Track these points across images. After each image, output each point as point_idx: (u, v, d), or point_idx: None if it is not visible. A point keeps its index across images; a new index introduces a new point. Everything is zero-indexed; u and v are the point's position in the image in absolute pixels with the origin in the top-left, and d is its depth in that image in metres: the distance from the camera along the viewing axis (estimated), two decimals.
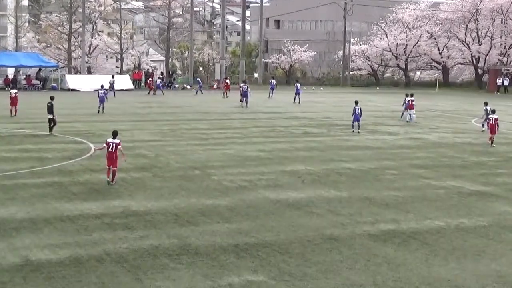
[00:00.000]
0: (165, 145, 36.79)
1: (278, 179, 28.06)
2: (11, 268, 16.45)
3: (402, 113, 53.10)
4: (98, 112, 53.22)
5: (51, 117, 41.12)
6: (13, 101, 50.34)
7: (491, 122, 39.63)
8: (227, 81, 76.12)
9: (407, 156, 34.87)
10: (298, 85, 69.64)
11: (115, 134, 26.79)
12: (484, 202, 24.87)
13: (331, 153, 35.22)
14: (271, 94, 73.69)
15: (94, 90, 68.60)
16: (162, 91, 77.23)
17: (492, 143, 39.04)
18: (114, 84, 73.66)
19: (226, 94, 72.05)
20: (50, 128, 41.07)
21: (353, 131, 44.12)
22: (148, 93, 75.67)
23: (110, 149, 26.36)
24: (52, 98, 42.21)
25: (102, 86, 56.56)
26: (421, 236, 19.99)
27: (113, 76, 77.74)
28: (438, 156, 35.29)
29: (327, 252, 18.21)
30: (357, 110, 44.48)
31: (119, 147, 26.44)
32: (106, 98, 54.97)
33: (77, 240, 18.77)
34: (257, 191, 25.59)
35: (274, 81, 76.89)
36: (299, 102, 65.96)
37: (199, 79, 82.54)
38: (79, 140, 37.98)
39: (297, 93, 67.61)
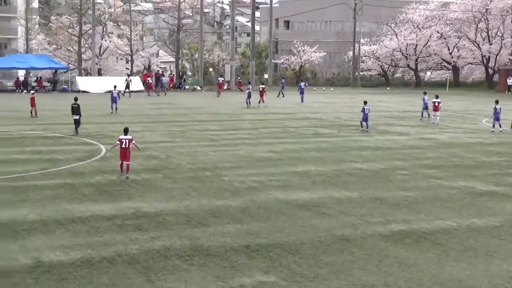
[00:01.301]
0: (176, 146, 36.84)
1: (288, 179, 28.05)
2: (23, 269, 16.49)
3: (422, 113, 53.00)
4: (112, 112, 53.88)
5: (77, 117, 41.53)
6: (32, 102, 50.71)
7: None
8: (262, 86, 68.06)
9: (418, 156, 34.80)
10: (302, 84, 70.97)
11: (126, 131, 28.60)
12: (496, 202, 24.80)
13: (342, 154, 35.19)
14: (281, 93, 74.51)
15: (106, 92, 68.99)
16: (163, 91, 77.93)
17: None
18: (130, 84, 74.21)
19: (263, 100, 64.82)
20: (76, 129, 41.47)
21: (362, 130, 44.40)
22: (148, 95, 76.26)
23: (123, 145, 28.09)
24: (76, 99, 42.81)
25: (115, 87, 57.43)
26: (433, 236, 19.95)
27: (128, 75, 78.25)
28: (449, 156, 35.21)
29: (339, 253, 18.20)
30: (366, 110, 44.58)
31: (132, 142, 28.28)
32: (119, 98, 55.90)
33: (89, 241, 18.81)
34: (268, 192, 25.59)
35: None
36: (302, 101, 67.41)
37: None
38: (90, 141, 38.07)
39: (301, 93, 69.37)
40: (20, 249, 18.05)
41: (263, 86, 67.14)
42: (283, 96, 75.18)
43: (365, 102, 45.46)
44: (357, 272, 16.70)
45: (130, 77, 77.22)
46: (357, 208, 23.26)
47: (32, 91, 53.11)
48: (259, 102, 63.62)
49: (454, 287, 15.90)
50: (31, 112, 50.38)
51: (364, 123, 44.75)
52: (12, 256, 17.42)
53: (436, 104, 50.20)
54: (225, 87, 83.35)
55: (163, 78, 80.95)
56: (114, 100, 54.85)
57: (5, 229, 19.95)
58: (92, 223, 20.73)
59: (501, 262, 17.71)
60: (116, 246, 18.36)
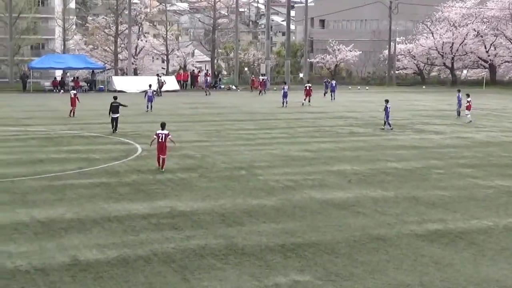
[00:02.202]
0: (211, 145, 36.94)
1: (324, 179, 28.02)
2: (61, 267, 16.65)
3: (458, 112, 52.76)
4: (147, 111, 54.53)
5: (116, 116, 41.91)
6: (72, 101, 51.11)
7: None
8: (309, 85, 67.34)
9: (454, 156, 34.59)
10: (334, 82, 71.19)
11: (163, 126, 29.90)
12: None
13: (377, 153, 35.07)
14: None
15: (141, 92, 69.41)
16: (207, 91, 78.08)
17: None
18: (164, 83, 74.69)
19: (309, 100, 64.35)
20: (115, 127, 41.90)
21: (382, 129, 44.56)
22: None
23: (160, 140, 29.48)
24: (115, 98, 43.21)
25: (150, 86, 58.11)
26: (469, 236, 19.82)
27: (158, 75, 78.50)
28: (486, 155, 34.94)
29: (374, 252, 18.15)
30: (388, 108, 44.76)
31: (169, 137, 29.58)
32: (154, 97, 56.75)
33: (125, 240, 18.93)
34: (303, 191, 25.58)
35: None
36: (333, 99, 68.97)
37: (208, 78, 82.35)
38: (125, 141, 38.31)
39: (332, 90, 70.22)
40: (57, 247, 18.23)
41: (310, 85, 67.03)
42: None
43: (387, 101, 45.59)
44: (392, 272, 16.65)
45: (162, 77, 77.58)
46: (392, 207, 23.18)
47: (73, 91, 53.43)
48: (308, 101, 63.94)
49: (490, 287, 15.79)
50: (71, 112, 50.69)
51: (387, 122, 44.79)
52: (50, 254, 17.59)
53: (469, 103, 50.10)
54: (267, 86, 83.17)
55: (208, 78, 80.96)
56: (149, 99, 55.69)
57: (43, 227, 20.15)
58: (128, 222, 20.87)
59: None
60: (151, 245, 18.47)
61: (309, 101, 63.68)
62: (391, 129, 44.19)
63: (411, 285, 15.78)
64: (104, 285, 15.61)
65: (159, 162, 29.62)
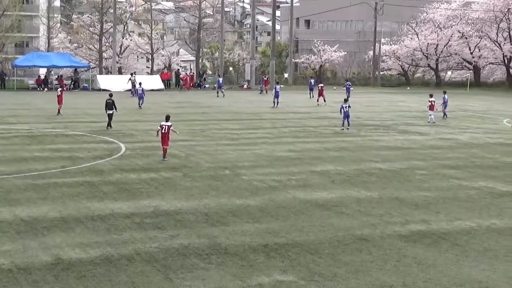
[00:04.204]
0: (195, 145, 36.91)
1: (308, 179, 28.05)
2: (43, 266, 16.59)
3: (444, 113, 52.95)
4: (141, 107, 57.10)
5: (111, 112, 42.72)
6: (59, 99, 51.05)
7: None
8: (321, 85, 68.03)
9: (437, 157, 34.68)
10: (347, 84, 71.34)
11: (167, 118, 32.34)
12: None
13: (361, 153, 35.13)
14: (311, 95, 73.02)
15: (126, 90, 69.45)
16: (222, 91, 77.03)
17: None
18: (135, 83, 74.35)
19: (324, 99, 65.13)
20: (109, 124, 42.77)
21: (342, 129, 44.79)
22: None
23: (163, 131, 31.73)
24: (111, 95, 44.15)
25: (140, 84, 60.25)
26: (452, 237, 19.88)
27: (132, 75, 77.61)
28: (469, 156, 35.07)
29: (357, 253, 18.18)
30: (344, 108, 45.12)
31: (171, 128, 31.83)
32: (144, 94, 58.57)
33: (108, 239, 18.89)
34: (287, 191, 25.60)
35: (312, 81, 76.89)
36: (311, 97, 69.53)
37: (220, 79, 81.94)
38: (109, 140, 38.22)
39: (347, 91, 68.41)
40: (40, 246, 18.17)
41: (322, 85, 67.11)
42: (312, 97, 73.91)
43: (346, 100, 46.52)
44: (375, 272, 16.69)
45: (135, 76, 76.72)
46: (376, 208, 23.22)
47: (59, 89, 53.41)
48: (323, 100, 64.17)
49: (473, 287, 15.85)
50: (59, 111, 50.65)
51: (345, 121, 45.07)
52: (32, 253, 17.53)
53: (429, 103, 50.56)
54: (245, 86, 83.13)
55: (220, 79, 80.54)
56: (140, 96, 58.04)
57: (26, 226, 20.08)
58: (111, 221, 20.82)
59: None
60: (135, 244, 18.43)
61: (324, 101, 63.89)
62: (344, 129, 44.62)
63: (394, 286, 15.81)
64: (87, 284, 15.56)
65: (164, 154, 31.91)
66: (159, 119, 48.11)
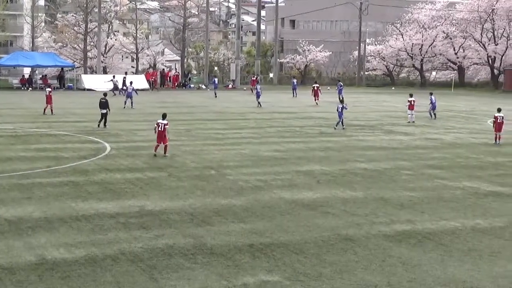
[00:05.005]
0: (181, 145, 36.84)
1: (293, 179, 28.05)
2: (27, 266, 16.51)
3: (430, 113, 53.25)
4: (132, 107, 57.55)
5: (105, 112, 43.15)
6: (48, 99, 50.84)
7: (498, 121, 39.94)
8: (316, 85, 68.14)
9: (422, 157, 34.76)
10: (339, 84, 72.24)
11: (164, 116, 33.25)
12: (501, 203, 24.74)
13: (346, 153, 35.17)
14: (295, 94, 75.02)
15: (110, 90, 69.36)
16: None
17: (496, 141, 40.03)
18: (117, 84, 74.58)
19: (318, 99, 65.95)
20: (102, 122, 43.23)
21: (335, 128, 45.15)
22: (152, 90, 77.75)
23: (159, 128, 32.54)
24: (105, 94, 44.53)
25: (131, 83, 60.77)
26: (437, 236, 19.92)
27: (114, 76, 78.45)
28: (454, 156, 35.17)
29: (342, 253, 18.18)
30: (339, 108, 45.41)
31: (166, 127, 32.58)
32: (137, 93, 59.93)
33: (93, 239, 18.82)
34: (272, 191, 25.59)
35: (295, 81, 78.01)
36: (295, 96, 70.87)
37: (215, 79, 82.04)
38: (95, 139, 38.11)
39: (339, 92, 68.39)
40: (24, 246, 18.08)
41: (317, 85, 67.32)
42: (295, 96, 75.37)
43: (342, 101, 46.99)
44: (360, 272, 16.70)
45: (116, 78, 77.23)
46: (361, 208, 23.24)
47: (48, 89, 53.23)
48: (317, 100, 65.00)
49: (457, 287, 15.89)
50: (45, 110, 50.50)
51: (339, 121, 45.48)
52: (16, 253, 17.44)
53: (412, 103, 51.13)
54: (230, 86, 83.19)
55: (215, 79, 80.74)
56: (128, 95, 58.54)
57: (10, 226, 19.98)
58: (96, 221, 20.75)
59: (505, 262, 17.68)
60: (120, 244, 18.37)
61: (317, 101, 64.59)
62: (337, 128, 44.81)
63: (379, 286, 15.82)
64: (71, 284, 15.49)
65: (156, 150, 32.75)
66: (144, 119, 48.30)
